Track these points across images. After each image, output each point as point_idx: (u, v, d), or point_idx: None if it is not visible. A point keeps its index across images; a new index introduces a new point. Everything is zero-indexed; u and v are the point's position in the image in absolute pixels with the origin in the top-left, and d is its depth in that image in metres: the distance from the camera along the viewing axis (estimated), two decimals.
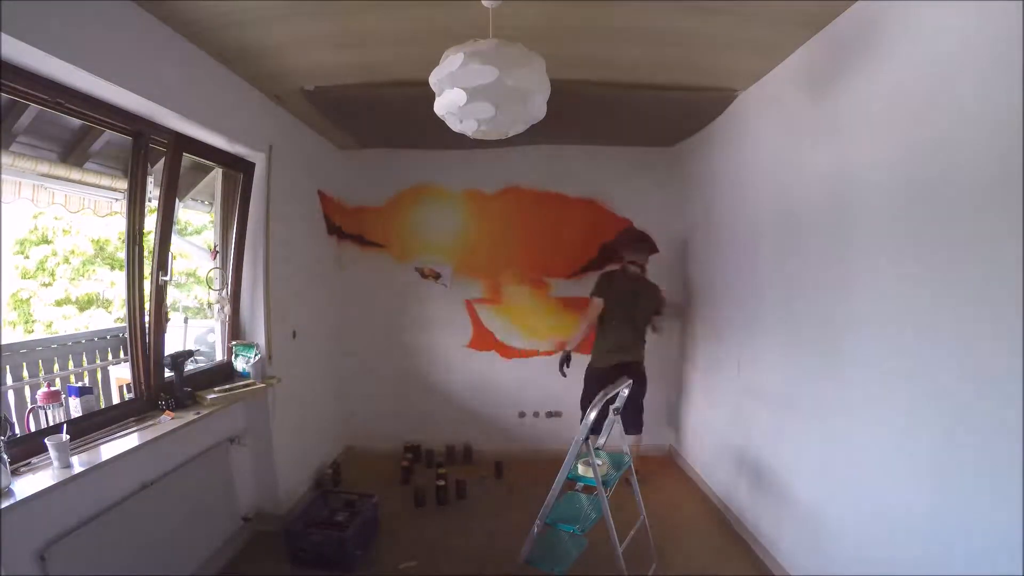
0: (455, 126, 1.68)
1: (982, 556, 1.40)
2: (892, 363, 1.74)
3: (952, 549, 1.50)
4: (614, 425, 2.41)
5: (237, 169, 2.74)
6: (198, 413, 2.24)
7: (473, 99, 1.52)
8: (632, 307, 3.31)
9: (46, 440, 1.67)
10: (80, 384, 2.43)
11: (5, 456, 1.52)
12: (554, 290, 3.94)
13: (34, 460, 1.69)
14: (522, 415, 4.00)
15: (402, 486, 3.41)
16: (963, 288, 1.46)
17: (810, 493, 2.23)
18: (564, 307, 3.92)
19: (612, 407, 2.35)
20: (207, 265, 2.80)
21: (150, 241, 2.24)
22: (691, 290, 3.71)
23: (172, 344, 2.43)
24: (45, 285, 6.02)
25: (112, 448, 1.85)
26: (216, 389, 2.45)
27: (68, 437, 1.70)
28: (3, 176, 2.13)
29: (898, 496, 1.71)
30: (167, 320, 2.33)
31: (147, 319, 2.22)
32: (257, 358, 2.68)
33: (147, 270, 2.21)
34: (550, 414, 3.97)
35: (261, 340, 2.81)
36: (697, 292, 3.60)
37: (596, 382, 3.26)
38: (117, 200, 2.71)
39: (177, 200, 2.43)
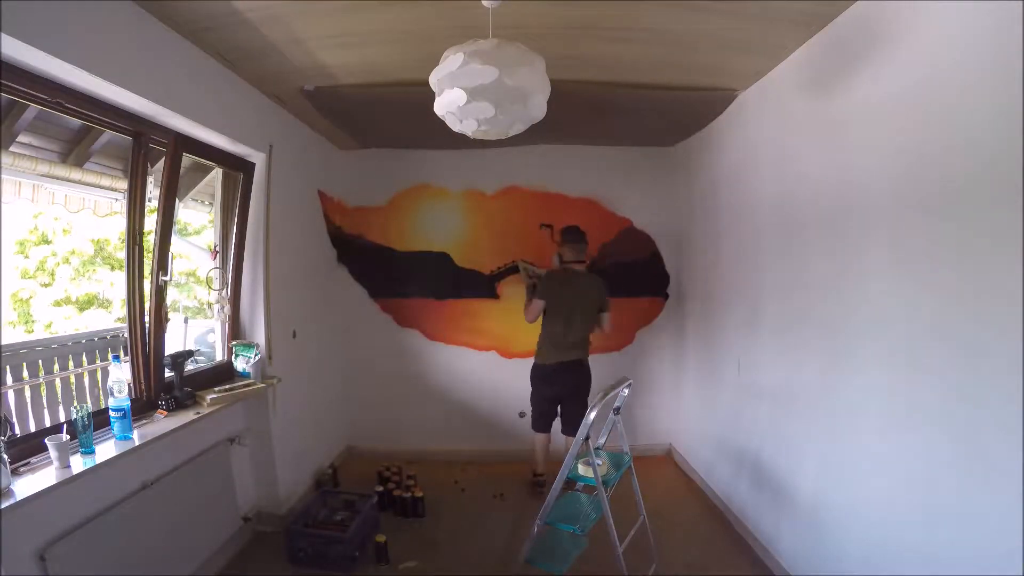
0: (455, 126, 1.68)
1: (983, 556, 1.40)
2: (893, 361, 1.74)
3: (953, 549, 1.50)
4: (615, 425, 2.41)
5: (237, 169, 2.74)
6: (198, 413, 2.24)
7: (473, 99, 1.52)
8: (573, 307, 3.15)
9: (46, 440, 1.67)
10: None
11: (5, 456, 1.52)
12: None
13: (34, 460, 1.69)
14: (522, 415, 3.98)
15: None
16: (964, 286, 1.46)
17: (810, 492, 2.23)
18: None
19: (613, 407, 2.35)
20: (207, 265, 2.80)
21: (150, 241, 2.24)
22: (691, 289, 3.71)
23: (172, 344, 2.42)
24: (45, 285, 6.02)
25: (112, 448, 1.85)
26: (216, 389, 2.45)
27: (68, 437, 1.71)
28: (3, 176, 2.13)
29: (900, 495, 1.71)
30: (167, 320, 2.33)
31: (147, 319, 2.22)
32: (257, 358, 2.68)
33: (147, 270, 2.21)
34: None
35: (261, 340, 2.81)
36: (697, 292, 3.60)
37: (540, 380, 3.27)
38: (117, 200, 2.71)
39: (177, 200, 2.43)
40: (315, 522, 2.72)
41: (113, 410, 1.91)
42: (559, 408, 3.31)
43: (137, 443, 1.92)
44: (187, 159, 2.43)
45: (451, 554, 2.69)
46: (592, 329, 3.27)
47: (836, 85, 2.00)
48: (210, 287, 2.81)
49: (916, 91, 1.61)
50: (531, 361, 3.32)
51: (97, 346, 3.28)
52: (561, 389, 3.24)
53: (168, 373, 2.31)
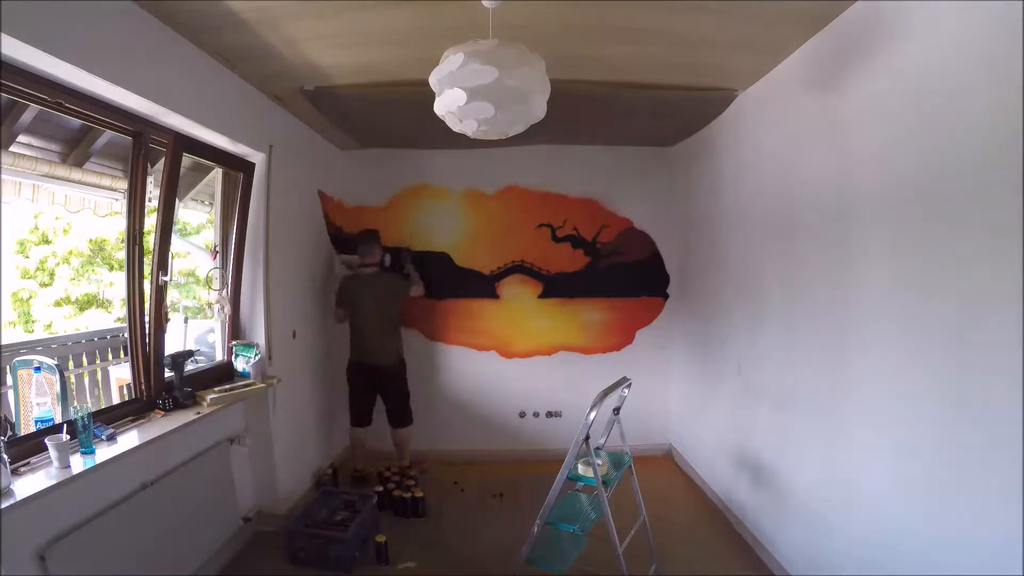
0: (455, 126, 1.68)
1: (983, 556, 1.40)
2: (894, 361, 1.74)
3: (953, 549, 1.50)
4: (615, 425, 2.41)
5: (237, 169, 2.74)
6: (198, 413, 2.24)
7: (473, 99, 1.52)
8: (371, 308, 3.33)
9: (46, 440, 1.67)
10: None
11: (5, 456, 1.52)
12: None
13: (34, 460, 1.69)
14: (522, 415, 4.00)
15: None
16: (965, 285, 1.46)
17: (810, 493, 2.23)
18: (563, 306, 3.92)
19: (612, 407, 2.35)
20: (207, 265, 2.80)
21: (150, 241, 2.24)
22: (691, 289, 3.71)
23: (172, 344, 2.42)
24: (45, 285, 6.03)
25: (112, 448, 1.85)
26: (216, 389, 2.45)
27: (68, 437, 1.71)
28: (3, 176, 2.13)
29: (900, 496, 1.71)
30: (167, 320, 2.33)
31: (147, 319, 2.22)
32: (257, 358, 2.68)
33: (147, 270, 2.21)
34: (550, 414, 3.97)
35: (261, 340, 2.80)
36: (697, 292, 3.60)
37: (354, 374, 3.43)
38: (117, 200, 2.71)
39: (177, 200, 2.43)
40: (315, 522, 2.72)
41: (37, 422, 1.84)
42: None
43: (137, 443, 1.92)
44: (187, 159, 2.43)
45: (451, 554, 2.69)
46: (395, 326, 3.45)
47: (836, 85, 2.00)
48: (210, 287, 2.81)
49: (915, 90, 1.61)
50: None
51: (97, 346, 3.28)
52: (370, 386, 3.43)
53: (168, 373, 2.31)
